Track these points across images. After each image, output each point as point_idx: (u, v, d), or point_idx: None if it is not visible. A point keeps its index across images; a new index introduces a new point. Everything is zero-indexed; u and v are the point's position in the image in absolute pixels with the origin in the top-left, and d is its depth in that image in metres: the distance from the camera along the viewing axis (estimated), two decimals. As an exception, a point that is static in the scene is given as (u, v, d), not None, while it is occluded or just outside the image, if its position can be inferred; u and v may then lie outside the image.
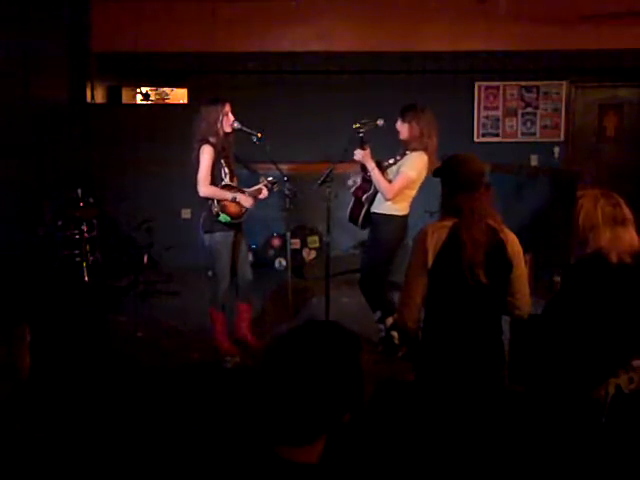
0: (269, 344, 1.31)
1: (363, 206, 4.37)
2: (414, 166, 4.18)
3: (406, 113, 4.23)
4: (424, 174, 4.21)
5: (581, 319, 2.40)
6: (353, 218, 4.45)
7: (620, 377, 2.33)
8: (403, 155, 4.25)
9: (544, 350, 2.49)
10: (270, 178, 4.43)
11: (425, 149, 4.19)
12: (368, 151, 4.22)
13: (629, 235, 2.44)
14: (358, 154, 4.23)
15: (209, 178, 4.21)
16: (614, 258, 2.39)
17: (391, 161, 4.29)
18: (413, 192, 4.30)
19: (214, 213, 4.21)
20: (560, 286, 2.61)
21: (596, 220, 2.44)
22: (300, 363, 1.23)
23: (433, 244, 2.52)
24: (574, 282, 2.50)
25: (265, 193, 4.40)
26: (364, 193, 4.36)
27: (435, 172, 2.71)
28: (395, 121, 4.27)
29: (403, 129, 4.23)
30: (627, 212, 2.48)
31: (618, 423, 2.28)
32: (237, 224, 4.35)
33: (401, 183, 4.19)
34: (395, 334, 4.36)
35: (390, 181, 4.23)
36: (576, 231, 2.49)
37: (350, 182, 4.50)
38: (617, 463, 2.24)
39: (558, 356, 2.43)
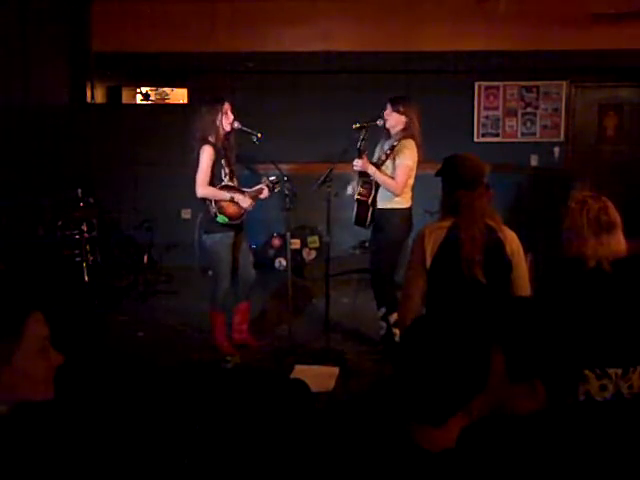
0: (410, 328, 1.43)
1: (369, 208, 4.39)
2: (409, 155, 4.25)
3: (396, 103, 4.33)
4: (417, 160, 4.29)
5: (552, 321, 2.39)
6: (360, 220, 4.46)
7: (591, 383, 2.31)
8: (392, 147, 4.28)
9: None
10: (272, 178, 4.41)
11: (412, 137, 4.25)
12: (366, 159, 4.25)
13: (614, 241, 2.40)
14: (358, 164, 4.26)
15: (207, 179, 4.20)
16: (592, 264, 2.37)
17: (383, 157, 4.32)
18: (412, 181, 4.36)
19: (212, 214, 4.20)
20: (537, 287, 2.59)
21: (580, 225, 2.40)
22: (437, 347, 1.34)
23: (431, 244, 2.54)
24: (548, 283, 2.49)
25: (266, 193, 4.39)
26: (368, 197, 4.38)
27: (437, 172, 2.72)
28: (385, 109, 4.35)
29: (391, 117, 4.32)
30: (614, 217, 2.42)
31: (585, 429, 2.26)
32: (237, 225, 4.34)
33: (404, 175, 4.25)
34: (396, 331, 4.37)
35: (391, 177, 4.27)
36: (564, 234, 2.47)
37: (350, 190, 4.52)
38: (582, 469, 2.23)
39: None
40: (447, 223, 2.56)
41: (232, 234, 4.31)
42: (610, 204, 2.45)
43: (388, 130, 4.38)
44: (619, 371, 2.29)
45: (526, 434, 1.54)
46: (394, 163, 4.27)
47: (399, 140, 4.28)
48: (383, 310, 4.45)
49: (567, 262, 2.42)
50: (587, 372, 2.28)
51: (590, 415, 2.27)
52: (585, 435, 2.12)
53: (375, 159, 4.41)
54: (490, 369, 1.34)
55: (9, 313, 1.48)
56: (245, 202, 4.26)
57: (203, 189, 4.20)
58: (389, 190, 4.28)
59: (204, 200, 4.24)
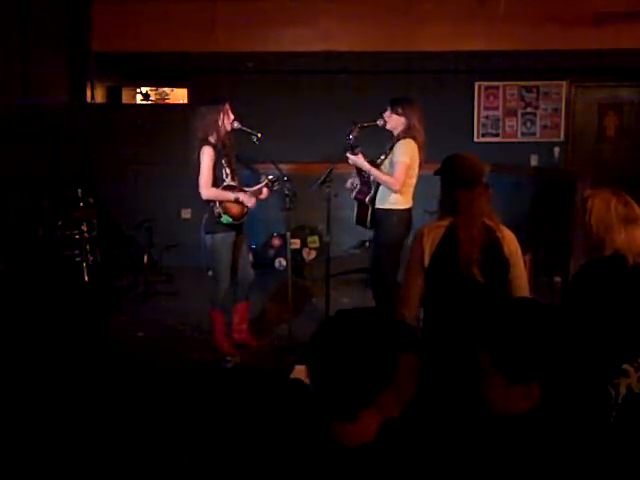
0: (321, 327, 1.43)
1: (368, 207, 4.39)
2: (405, 152, 4.24)
3: (396, 105, 4.33)
4: (417, 160, 4.28)
5: (594, 318, 2.39)
6: (360, 220, 4.46)
7: (631, 377, 2.32)
8: (391, 147, 4.30)
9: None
10: (270, 176, 4.40)
11: (413, 138, 4.25)
12: (360, 155, 4.25)
13: (639, 235, 2.43)
14: (352, 159, 4.26)
15: (211, 180, 4.20)
16: (630, 260, 2.37)
17: (382, 157, 4.33)
18: (413, 180, 4.34)
19: (216, 215, 4.20)
20: (571, 287, 2.59)
21: (610, 221, 2.40)
22: (340, 343, 1.36)
23: (429, 243, 2.54)
24: (590, 283, 2.48)
25: (266, 193, 4.39)
26: (366, 195, 4.38)
27: (436, 171, 2.72)
28: (384, 111, 4.36)
29: (391, 119, 4.33)
30: (638, 211, 2.45)
31: (628, 423, 2.27)
32: (238, 225, 4.35)
33: (401, 171, 4.22)
34: None
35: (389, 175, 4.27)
36: (589, 232, 2.46)
37: (349, 184, 4.51)
38: (624, 463, 2.24)
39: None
40: (446, 222, 2.57)
41: (233, 234, 4.32)
42: (630, 198, 2.46)
43: (392, 132, 4.39)
44: None
45: (525, 432, 1.53)
46: (391, 161, 4.27)
47: (398, 140, 4.28)
48: None
49: (606, 262, 2.41)
50: (627, 367, 2.29)
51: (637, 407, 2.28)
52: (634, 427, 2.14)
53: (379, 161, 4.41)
54: (397, 365, 1.36)
55: None
56: (250, 201, 4.27)
57: (207, 191, 4.19)
58: (387, 186, 4.26)
59: (208, 201, 4.24)
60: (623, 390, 2.29)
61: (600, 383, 2.30)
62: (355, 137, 4.28)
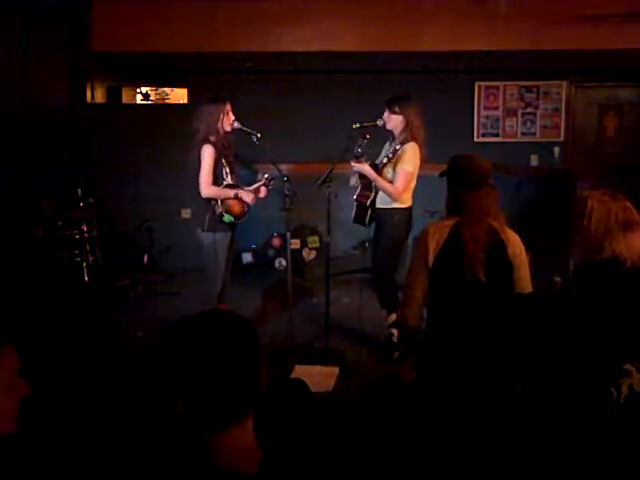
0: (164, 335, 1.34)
1: (368, 209, 4.39)
2: (410, 160, 4.22)
3: (392, 104, 4.32)
4: (418, 164, 4.27)
5: (594, 319, 2.39)
6: (359, 219, 4.46)
7: (633, 377, 2.33)
8: (395, 151, 4.27)
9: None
10: (267, 175, 4.39)
11: (414, 139, 4.24)
12: (364, 163, 4.23)
13: (637, 239, 2.42)
14: (356, 166, 4.24)
15: (211, 179, 4.19)
16: (629, 263, 2.37)
17: (384, 160, 4.31)
18: (414, 183, 4.34)
19: (218, 214, 4.19)
20: (569, 287, 2.59)
21: (610, 226, 2.39)
22: (199, 347, 1.29)
23: (434, 243, 2.54)
24: (587, 285, 2.47)
25: (264, 191, 4.39)
26: (367, 199, 4.38)
27: (442, 172, 2.72)
28: (383, 112, 4.36)
29: (390, 120, 4.33)
30: (636, 215, 2.44)
31: (629, 423, 2.28)
32: (235, 225, 4.33)
33: (404, 181, 4.23)
34: (395, 332, 4.37)
35: (391, 181, 4.26)
36: (587, 236, 2.45)
37: (352, 181, 4.50)
38: (626, 462, 2.24)
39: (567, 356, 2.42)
40: (451, 222, 2.57)
41: (230, 234, 4.31)
42: (628, 202, 2.45)
43: (392, 132, 4.38)
44: None
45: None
46: (395, 168, 4.26)
47: (402, 144, 4.27)
48: (385, 311, 4.45)
49: (604, 264, 2.41)
50: (630, 367, 2.30)
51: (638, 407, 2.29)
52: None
53: (378, 161, 4.40)
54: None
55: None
56: (248, 196, 4.25)
57: (208, 190, 4.18)
58: (388, 195, 4.28)
59: (209, 200, 4.24)
60: (625, 390, 2.29)
61: (602, 383, 2.30)
62: (363, 146, 4.27)
